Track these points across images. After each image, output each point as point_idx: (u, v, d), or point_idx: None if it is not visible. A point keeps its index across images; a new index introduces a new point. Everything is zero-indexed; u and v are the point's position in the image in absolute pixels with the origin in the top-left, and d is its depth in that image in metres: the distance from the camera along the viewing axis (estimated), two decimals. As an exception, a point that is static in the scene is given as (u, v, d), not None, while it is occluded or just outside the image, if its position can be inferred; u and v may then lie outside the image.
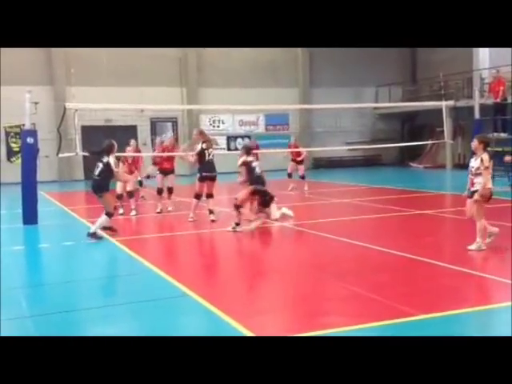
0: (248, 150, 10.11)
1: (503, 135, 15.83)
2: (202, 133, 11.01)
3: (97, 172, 9.42)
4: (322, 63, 26.69)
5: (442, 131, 16.93)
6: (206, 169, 10.54)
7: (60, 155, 13.23)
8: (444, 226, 10.46)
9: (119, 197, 12.12)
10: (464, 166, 22.41)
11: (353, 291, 5.82)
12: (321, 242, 8.80)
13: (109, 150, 9.48)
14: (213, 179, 10.64)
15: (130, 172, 12.34)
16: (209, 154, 10.56)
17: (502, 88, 15.90)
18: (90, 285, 6.65)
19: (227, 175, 15.14)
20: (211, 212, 10.67)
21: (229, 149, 24.41)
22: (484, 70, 22.92)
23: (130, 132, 23.67)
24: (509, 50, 21.53)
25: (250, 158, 9.85)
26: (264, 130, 26.52)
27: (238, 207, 9.48)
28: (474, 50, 23.61)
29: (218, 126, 25.75)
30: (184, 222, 10.78)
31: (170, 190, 12.43)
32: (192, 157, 11.14)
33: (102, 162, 9.38)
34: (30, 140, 11.09)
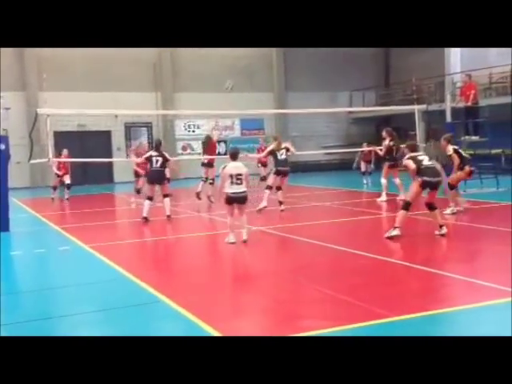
0: (412, 147, 9.29)
1: (475, 138, 16.05)
2: (276, 138, 13.58)
3: (159, 164, 11.31)
4: (297, 68, 26.85)
5: (415, 134, 17.12)
6: (280, 164, 12.78)
7: (32, 161, 13.07)
8: (417, 228, 10.57)
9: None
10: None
11: (327, 294, 5.84)
12: (296, 246, 8.82)
13: (160, 145, 11.66)
14: (286, 174, 12.88)
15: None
16: (281, 154, 12.83)
17: (473, 92, 16.11)
18: (63, 292, 6.56)
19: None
20: (281, 203, 12.43)
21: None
22: (455, 75, 23.29)
23: (103, 137, 23.56)
24: (480, 54, 21.92)
25: (413, 154, 9.01)
26: (240, 134, 26.55)
27: (407, 205, 8.58)
28: (446, 54, 23.98)
29: (194, 131, 25.69)
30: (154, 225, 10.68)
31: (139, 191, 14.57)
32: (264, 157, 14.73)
33: (160, 155, 11.29)
34: (1, 146, 10.93)
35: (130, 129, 24.59)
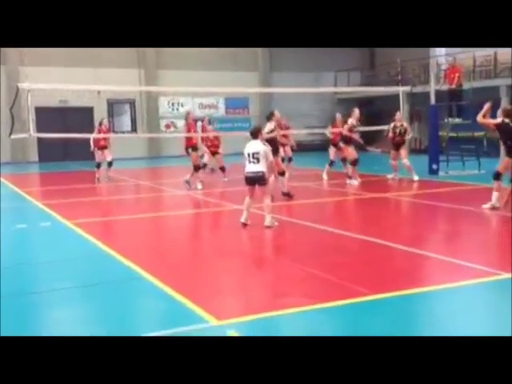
0: (507, 111, 8.91)
1: (458, 120, 16.14)
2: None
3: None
4: (282, 48, 26.67)
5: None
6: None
7: (13, 136, 12.89)
8: (399, 209, 10.66)
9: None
10: (420, 151, 22.87)
11: (310, 272, 5.87)
12: (279, 225, 8.84)
13: (270, 118, 11.04)
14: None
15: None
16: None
17: (457, 74, 16.13)
18: (43, 268, 6.52)
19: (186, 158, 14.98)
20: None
21: (188, 132, 24.08)
22: (440, 57, 23.31)
23: (85, 113, 23.27)
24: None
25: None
26: (224, 113, 26.40)
27: (498, 176, 8.32)
28: (431, 36, 23.95)
29: (178, 109, 25.48)
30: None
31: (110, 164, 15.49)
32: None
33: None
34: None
35: (112, 105, 24.31)
